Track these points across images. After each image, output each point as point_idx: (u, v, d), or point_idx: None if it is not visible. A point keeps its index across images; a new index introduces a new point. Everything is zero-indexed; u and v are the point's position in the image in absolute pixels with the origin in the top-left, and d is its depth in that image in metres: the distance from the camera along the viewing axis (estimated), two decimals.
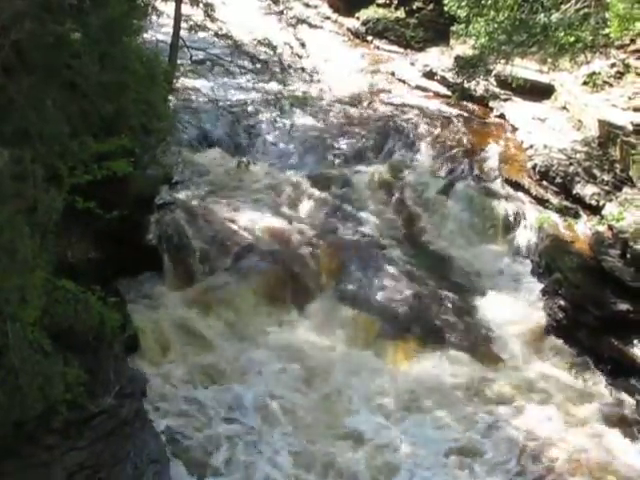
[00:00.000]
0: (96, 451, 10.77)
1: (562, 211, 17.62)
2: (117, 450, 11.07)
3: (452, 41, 23.98)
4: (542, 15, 17.18)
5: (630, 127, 17.66)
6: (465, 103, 21.84)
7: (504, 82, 21.17)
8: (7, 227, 8.62)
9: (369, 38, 26.90)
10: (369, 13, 27.28)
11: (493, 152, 19.77)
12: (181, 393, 13.72)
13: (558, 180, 18.13)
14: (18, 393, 8.94)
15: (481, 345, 15.48)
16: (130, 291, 14.84)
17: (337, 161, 19.86)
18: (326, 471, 12.66)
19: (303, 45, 19.29)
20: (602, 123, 18.37)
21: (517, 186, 18.62)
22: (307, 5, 28.34)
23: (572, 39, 16.88)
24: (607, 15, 15.93)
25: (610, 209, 16.75)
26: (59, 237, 10.08)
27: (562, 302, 15.82)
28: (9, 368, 8.86)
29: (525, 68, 20.55)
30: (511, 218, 18.01)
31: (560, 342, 15.61)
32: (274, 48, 18.94)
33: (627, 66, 19.33)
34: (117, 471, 10.92)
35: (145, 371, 13.28)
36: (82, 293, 10.68)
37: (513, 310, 16.27)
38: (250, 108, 21.02)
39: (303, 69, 20.07)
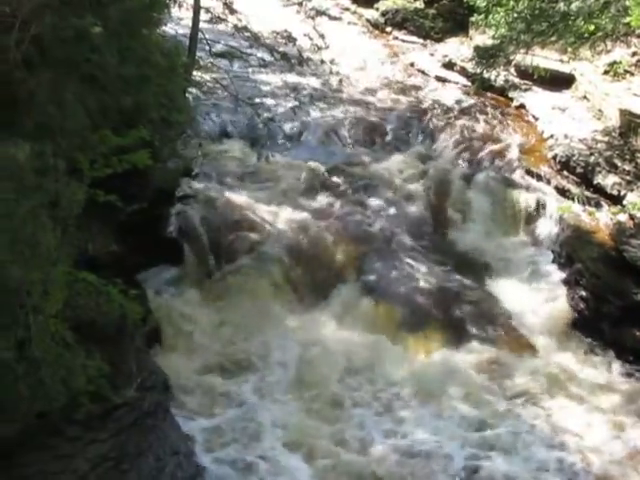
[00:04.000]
0: (119, 443, 10.83)
1: (583, 201, 17.54)
2: (139, 442, 11.13)
3: (471, 31, 23.91)
4: (562, 4, 17.11)
5: None
6: (485, 93, 21.76)
7: (524, 72, 21.08)
8: (29, 220, 8.67)
9: (388, 29, 26.84)
10: (388, 4, 27.26)
11: (513, 142, 19.69)
12: (201, 384, 13.81)
13: (579, 170, 18.05)
14: (41, 385, 9.00)
15: (502, 336, 15.45)
16: (151, 283, 14.91)
17: (357, 152, 19.82)
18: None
19: (322, 37, 19.25)
20: (623, 112, 18.26)
21: (538, 176, 18.52)
22: None
23: (592, 28, 16.79)
24: (628, 3, 15.83)
25: (632, 199, 16.67)
26: (80, 230, 10.13)
27: (583, 293, 15.76)
28: (32, 360, 8.92)
29: (545, 58, 20.45)
30: (532, 208, 17.92)
31: (582, 333, 15.55)
32: (293, 40, 18.90)
33: None
34: (140, 463, 10.98)
35: (165, 363, 13.38)
36: (103, 286, 10.72)
37: (534, 301, 16.22)
38: (269, 100, 21.03)
39: (322, 61, 20.04)
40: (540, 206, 17.89)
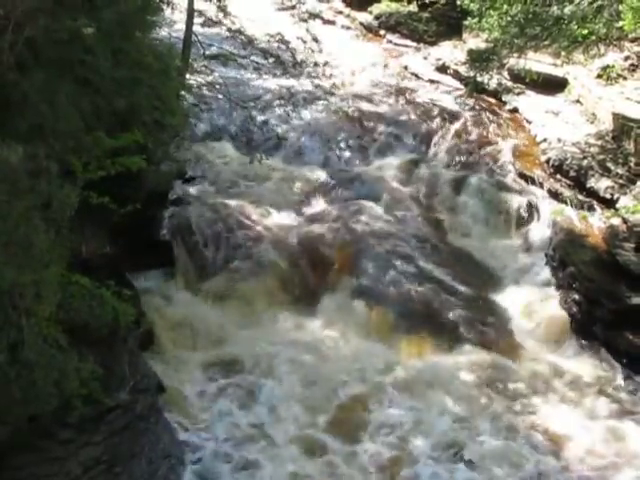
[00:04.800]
0: (111, 446, 10.81)
1: (576, 205, 17.57)
2: (132, 445, 11.12)
3: (465, 35, 23.97)
4: (555, 8, 17.12)
5: None
6: (478, 97, 21.78)
7: (517, 76, 21.09)
8: (22, 222, 8.66)
9: (382, 32, 26.88)
10: (382, 7, 27.30)
11: (506, 146, 19.70)
12: (194, 387, 13.79)
13: (572, 174, 18.08)
14: (33, 388, 8.98)
15: (495, 339, 15.42)
16: (144, 286, 14.89)
17: (350, 156, 19.84)
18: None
19: (316, 40, 19.28)
20: (616, 116, 18.30)
21: (531, 180, 18.54)
22: (320, 0, 28.37)
23: (585, 32, 16.81)
24: (621, 8, 15.87)
25: (624, 202, 16.70)
26: (73, 232, 10.12)
27: (576, 296, 15.75)
28: (24, 362, 8.90)
29: (538, 62, 20.49)
30: (525, 212, 17.94)
31: (575, 336, 15.54)
32: (287, 43, 18.93)
33: None
34: (132, 466, 10.97)
35: (158, 366, 13.37)
36: (97, 288, 10.72)
37: (527, 304, 16.21)
38: (263, 103, 21.02)
39: (316, 64, 20.07)
40: (533, 209, 17.92)
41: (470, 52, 20.97)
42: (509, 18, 17.55)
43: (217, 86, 18.88)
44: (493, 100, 21.89)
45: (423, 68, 23.96)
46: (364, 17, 27.65)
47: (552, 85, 20.95)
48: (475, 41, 21.97)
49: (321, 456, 12.66)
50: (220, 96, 18.97)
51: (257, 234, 16.65)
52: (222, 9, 17.82)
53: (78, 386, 9.70)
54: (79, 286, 10.55)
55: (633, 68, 19.38)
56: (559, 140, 18.88)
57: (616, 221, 16.39)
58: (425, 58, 24.61)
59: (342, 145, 20.12)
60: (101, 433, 10.76)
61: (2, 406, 9.01)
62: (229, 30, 18.12)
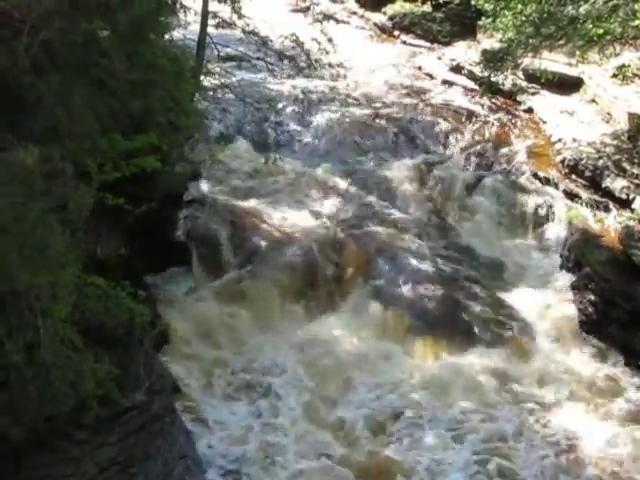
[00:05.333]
0: (127, 446, 10.83)
1: (591, 205, 17.51)
2: (148, 445, 11.13)
3: (479, 35, 23.93)
4: (570, 7, 17.06)
5: None
6: (493, 97, 21.77)
7: (532, 75, 21.08)
8: (38, 224, 8.69)
9: (396, 33, 26.90)
10: (396, 8, 27.31)
11: (521, 146, 19.69)
12: (208, 389, 13.82)
13: (587, 174, 18.03)
14: (49, 388, 9.02)
15: (510, 340, 15.40)
16: (159, 286, 14.93)
17: (364, 156, 19.84)
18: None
19: (330, 40, 19.27)
20: (632, 116, 18.25)
21: (546, 180, 18.52)
22: (334, 1, 28.42)
23: (601, 31, 16.75)
24: (636, 6, 15.82)
25: None
26: (89, 234, 10.17)
27: (592, 297, 15.70)
28: (41, 363, 8.94)
29: (553, 61, 20.45)
30: (540, 212, 17.93)
31: (590, 337, 15.50)
32: (301, 44, 18.93)
33: None
34: (148, 466, 10.98)
35: (173, 366, 13.40)
36: (112, 289, 10.75)
37: (543, 305, 16.18)
38: (277, 104, 21.05)
39: (330, 64, 20.07)
40: (548, 210, 17.89)
41: (484, 52, 20.90)
42: (524, 18, 17.50)
43: (231, 87, 18.89)
44: (508, 100, 21.87)
45: (437, 68, 23.95)
46: (378, 18, 27.67)
47: (567, 85, 20.90)
48: (489, 41, 21.92)
49: None
50: (234, 97, 18.98)
51: (272, 235, 16.66)
52: (236, 11, 17.82)
53: (94, 387, 9.73)
54: (95, 287, 10.59)
55: None
56: (574, 140, 18.85)
57: (632, 222, 16.34)
58: (439, 58, 24.59)
59: (356, 146, 20.12)
60: (117, 434, 10.78)
61: (19, 406, 9.06)
62: (243, 31, 18.12)
